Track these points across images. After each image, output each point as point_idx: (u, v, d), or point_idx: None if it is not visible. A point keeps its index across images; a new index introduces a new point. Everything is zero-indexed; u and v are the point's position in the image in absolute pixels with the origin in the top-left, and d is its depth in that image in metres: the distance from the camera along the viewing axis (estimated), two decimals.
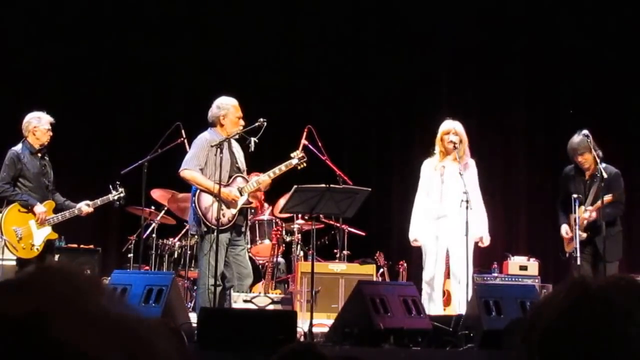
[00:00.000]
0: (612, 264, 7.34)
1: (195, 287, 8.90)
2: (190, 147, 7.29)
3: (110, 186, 7.81)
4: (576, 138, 7.56)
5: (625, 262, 7.80)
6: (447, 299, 7.87)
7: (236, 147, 7.29)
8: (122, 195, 7.79)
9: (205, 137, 7.09)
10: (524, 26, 10.89)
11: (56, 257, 7.97)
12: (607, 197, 7.28)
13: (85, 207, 7.65)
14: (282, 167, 7.11)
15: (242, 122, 7.15)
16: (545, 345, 1.08)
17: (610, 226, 7.38)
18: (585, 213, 7.39)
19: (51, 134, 7.61)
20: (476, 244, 7.47)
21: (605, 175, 7.28)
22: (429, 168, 7.58)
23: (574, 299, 1.09)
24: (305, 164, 7.16)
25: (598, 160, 7.40)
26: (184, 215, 8.99)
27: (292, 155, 7.18)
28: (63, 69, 10.32)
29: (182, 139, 7.47)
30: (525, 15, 10.89)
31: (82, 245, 8.76)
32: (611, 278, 1.15)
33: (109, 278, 6.38)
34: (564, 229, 7.64)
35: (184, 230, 9.06)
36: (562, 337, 1.06)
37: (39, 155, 7.59)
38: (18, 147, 7.52)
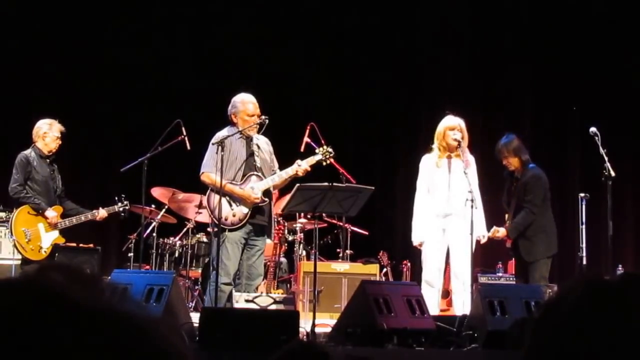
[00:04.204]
0: (535, 263, 7.43)
1: (195, 287, 8.89)
2: (190, 145, 7.31)
3: (116, 198, 8.00)
4: (501, 140, 7.60)
5: None
6: (451, 299, 7.82)
7: (261, 145, 7.17)
8: (127, 207, 7.98)
9: (217, 136, 7.03)
10: (527, 24, 10.86)
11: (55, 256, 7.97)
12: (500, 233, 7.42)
13: (102, 211, 7.80)
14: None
15: (255, 120, 7.03)
16: (559, 345, 1.03)
17: (526, 229, 7.45)
18: (501, 229, 7.44)
19: (60, 142, 7.76)
20: (477, 242, 7.40)
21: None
22: (429, 164, 7.44)
23: (589, 297, 1.05)
24: (332, 159, 7.09)
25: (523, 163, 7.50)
26: (185, 213, 8.95)
27: (317, 150, 7.11)
28: (61, 67, 10.27)
29: (182, 136, 7.41)
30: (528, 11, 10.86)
31: (81, 245, 8.70)
32: (627, 276, 1.11)
33: (109, 278, 6.32)
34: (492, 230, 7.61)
35: (185, 229, 9.02)
36: (578, 336, 1.02)
37: (48, 160, 7.74)
38: (27, 151, 7.68)
